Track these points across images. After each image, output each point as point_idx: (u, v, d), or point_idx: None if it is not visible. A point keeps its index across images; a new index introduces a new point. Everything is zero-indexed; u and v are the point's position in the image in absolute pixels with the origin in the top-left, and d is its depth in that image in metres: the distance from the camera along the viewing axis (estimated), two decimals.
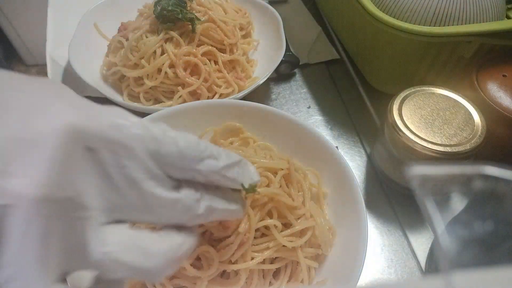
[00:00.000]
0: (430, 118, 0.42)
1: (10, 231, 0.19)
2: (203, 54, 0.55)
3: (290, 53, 0.64)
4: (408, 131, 0.41)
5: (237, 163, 0.29)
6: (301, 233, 0.39)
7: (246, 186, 0.30)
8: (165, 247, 0.25)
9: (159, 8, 0.54)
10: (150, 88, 0.55)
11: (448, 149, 0.39)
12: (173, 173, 0.26)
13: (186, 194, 0.26)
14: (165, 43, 0.54)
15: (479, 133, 0.40)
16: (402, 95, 0.44)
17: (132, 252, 0.23)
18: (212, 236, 0.37)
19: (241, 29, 0.63)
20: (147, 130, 0.25)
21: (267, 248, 0.37)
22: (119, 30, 0.60)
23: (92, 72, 0.58)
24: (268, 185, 0.39)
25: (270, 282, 0.39)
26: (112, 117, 0.24)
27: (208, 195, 0.28)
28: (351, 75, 0.64)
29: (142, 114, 0.48)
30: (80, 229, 0.22)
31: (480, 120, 0.42)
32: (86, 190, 0.22)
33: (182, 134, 0.26)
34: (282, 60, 0.58)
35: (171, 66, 0.54)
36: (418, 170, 0.17)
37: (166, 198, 0.25)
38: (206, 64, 0.55)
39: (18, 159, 0.20)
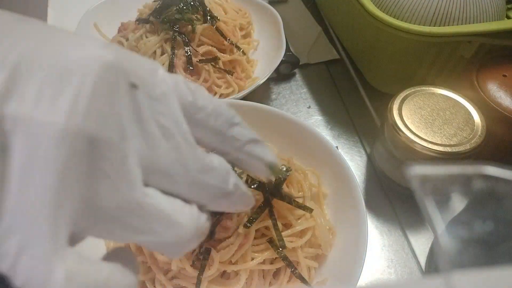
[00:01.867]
0: (430, 118, 0.42)
1: (16, 165, 0.15)
2: (203, 54, 0.55)
3: (290, 53, 0.64)
4: (408, 131, 0.41)
5: (261, 141, 0.26)
6: (301, 233, 0.39)
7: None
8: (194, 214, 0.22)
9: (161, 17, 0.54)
10: None
11: (448, 149, 0.39)
12: (202, 137, 0.23)
13: (220, 162, 0.23)
14: (165, 43, 0.54)
15: (479, 133, 0.40)
16: (402, 95, 0.44)
17: (172, 203, 0.20)
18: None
19: (241, 29, 0.63)
20: (185, 81, 0.22)
21: (267, 248, 0.37)
22: (119, 30, 0.60)
23: None
24: None
25: (270, 282, 0.39)
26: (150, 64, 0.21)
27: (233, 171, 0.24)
28: (351, 75, 0.64)
29: None
30: (114, 176, 0.18)
31: (480, 120, 0.42)
32: (128, 134, 0.19)
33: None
34: (282, 60, 0.58)
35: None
36: (418, 170, 0.17)
37: (202, 159, 0.22)
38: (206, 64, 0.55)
39: (34, 81, 0.16)
